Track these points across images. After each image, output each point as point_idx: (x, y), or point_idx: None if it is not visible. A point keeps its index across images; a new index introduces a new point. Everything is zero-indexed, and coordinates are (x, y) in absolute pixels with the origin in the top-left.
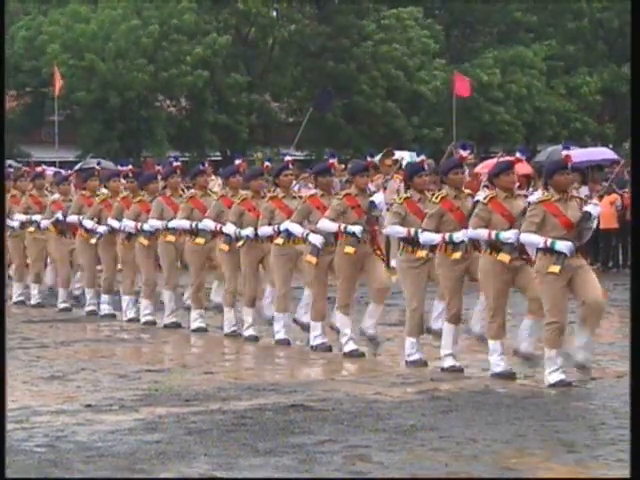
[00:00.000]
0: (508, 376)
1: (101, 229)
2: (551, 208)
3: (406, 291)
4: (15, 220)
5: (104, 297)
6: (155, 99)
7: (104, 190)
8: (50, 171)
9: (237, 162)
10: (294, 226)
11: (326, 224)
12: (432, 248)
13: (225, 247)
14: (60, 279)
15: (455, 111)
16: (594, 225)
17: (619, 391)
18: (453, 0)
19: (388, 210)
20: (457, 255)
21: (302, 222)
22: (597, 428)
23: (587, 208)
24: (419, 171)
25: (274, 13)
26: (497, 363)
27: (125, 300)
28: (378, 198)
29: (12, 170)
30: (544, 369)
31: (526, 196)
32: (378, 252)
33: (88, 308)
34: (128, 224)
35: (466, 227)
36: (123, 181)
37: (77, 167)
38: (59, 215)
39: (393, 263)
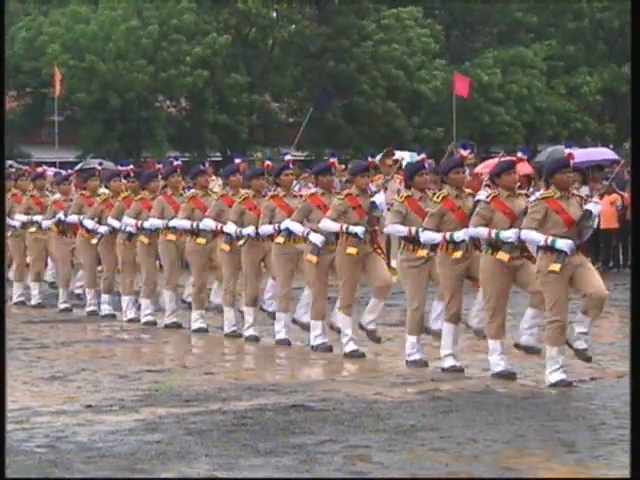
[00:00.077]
0: (508, 376)
1: (102, 229)
2: (553, 205)
3: (407, 291)
4: (16, 220)
5: (104, 297)
6: (155, 99)
7: (105, 190)
8: (50, 172)
9: (237, 161)
10: (295, 225)
11: (328, 224)
12: (433, 247)
13: (226, 247)
14: (61, 279)
15: (455, 111)
16: (594, 224)
17: (619, 391)
18: (453, 0)
19: (389, 210)
20: (458, 254)
21: (302, 221)
22: (597, 428)
23: (588, 206)
24: (420, 169)
25: (274, 14)
26: (497, 363)
27: (125, 300)
28: (379, 198)
29: (13, 170)
30: (545, 368)
31: (527, 195)
32: (378, 251)
33: (89, 308)
34: (129, 222)
35: (467, 227)
36: (124, 181)
37: (78, 167)
38: (61, 215)
39: (394, 263)
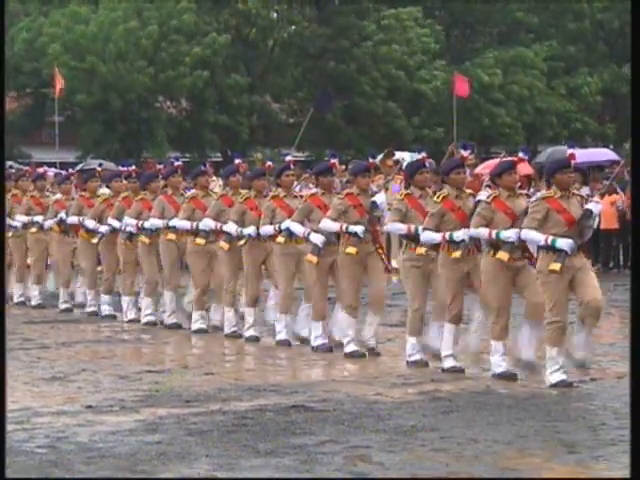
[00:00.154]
0: (509, 377)
1: (103, 229)
2: (554, 204)
3: (408, 291)
4: (17, 221)
5: (104, 298)
6: (155, 100)
7: (106, 190)
8: (51, 172)
9: (237, 162)
10: (295, 225)
11: (328, 224)
12: (435, 247)
13: (225, 245)
14: (61, 279)
15: (456, 112)
16: (595, 223)
17: (620, 392)
18: (453, 0)
19: (389, 210)
20: (457, 254)
21: (303, 221)
22: (598, 429)
23: (588, 206)
24: (420, 168)
25: (274, 15)
26: (498, 364)
27: (125, 301)
28: (380, 198)
29: (13, 170)
30: (545, 369)
31: (528, 195)
32: (379, 251)
33: (89, 309)
34: (129, 222)
35: (467, 227)
36: (125, 182)
37: (78, 168)
38: (62, 214)
39: (394, 263)
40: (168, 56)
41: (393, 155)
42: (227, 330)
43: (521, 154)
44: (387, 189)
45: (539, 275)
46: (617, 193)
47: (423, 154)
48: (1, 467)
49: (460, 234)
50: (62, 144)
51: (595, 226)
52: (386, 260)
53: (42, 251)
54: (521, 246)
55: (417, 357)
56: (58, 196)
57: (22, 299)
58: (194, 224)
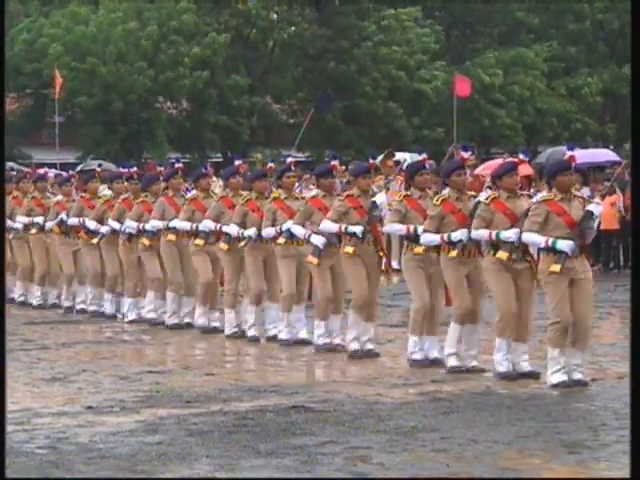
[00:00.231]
0: (510, 377)
1: (104, 229)
2: (555, 207)
3: (411, 290)
4: (18, 222)
5: (107, 296)
6: (155, 101)
7: (108, 192)
8: (51, 173)
9: (237, 163)
10: (296, 228)
11: (328, 225)
12: (436, 249)
13: (224, 246)
14: (65, 278)
15: (456, 112)
16: (595, 224)
17: (620, 392)
18: (453, 1)
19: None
20: (454, 253)
21: (304, 223)
22: (598, 429)
23: (589, 207)
24: (420, 169)
25: (274, 16)
26: (501, 362)
27: (127, 302)
28: (380, 198)
29: (14, 172)
30: (547, 369)
31: (530, 196)
32: (381, 253)
33: (91, 307)
34: (130, 225)
35: (467, 228)
36: (126, 183)
37: (78, 169)
38: (63, 215)
39: (395, 264)
40: (168, 57)
41: (393, 156)
42: (227, 331)
43: (521, 155)
44: (388, 189)
45: (541, 277)
46: (616, 193)
47: (424, 155)
48: (1, 467)
49: (458, 234)
50: (62, 145)
51: (596, 227)
52: (387, 260)
53: (44, 252)
54: (522, 248)
55: (418, 355)
56: (59, 197)
57: (22, 299)
58: (194, 225)
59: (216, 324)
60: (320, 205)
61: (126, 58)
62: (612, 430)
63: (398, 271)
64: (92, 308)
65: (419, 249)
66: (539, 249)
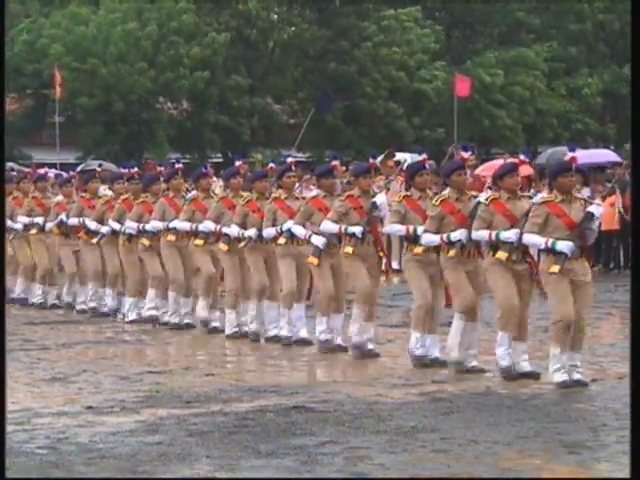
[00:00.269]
0: (511, 376)
1: (104, 229)
2: (554, 209)
3: (412, 288)
4: (18, 222)
5: (109, 291)
6: (156, 101)
7: (108, 192)
8: (51, 173)
9: (237, 164)
10: (297, 228)
11: (328, 225)
12: (436, 249)
13: (224, 247)
14: (67, 277)
15: (456, 112)
16: (596, 226)
17: (620, 392)
18: (453, 1)
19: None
20: (452, 253)
21: (304, 224)
22: (598, 429)
23: (590, 209)
24: (420, 169)
25: (274, 16)
26: (503, 357)
27: (127, 302)
28: (380, 199)
29: (15, 173)
30: (549, 366)
31: (530, 197)
32: (381, 253)
33: (91, 304)
34: (131, 225)
35: (466, 228)
36: (127, 184)
37: (79, 169)
38: (63, 217)
39: (395, 265)
40: (168, 57)
41: (394, 156)
42: (228, 331)
43: (522, 156)
44: (388, 190)
45: (542, 277)
46: (615, 194)
47: (424, 156)
48: (1, 468)
49: (457, 234)
50: (63, 145)
51: (596, 228)
52: (387, 260)
53: (45, 251)
54: (521, 249)
55: (420, 352)
56: (59, 198)
57: (22, 296)
58: (194, 226)
59: (216, 324)
60: (320, 205)
61: (126, 58)
62: (612, 430)
63: (398, 272)
64: (92, 305)
65: (419, 250)
66: (539, 250)
